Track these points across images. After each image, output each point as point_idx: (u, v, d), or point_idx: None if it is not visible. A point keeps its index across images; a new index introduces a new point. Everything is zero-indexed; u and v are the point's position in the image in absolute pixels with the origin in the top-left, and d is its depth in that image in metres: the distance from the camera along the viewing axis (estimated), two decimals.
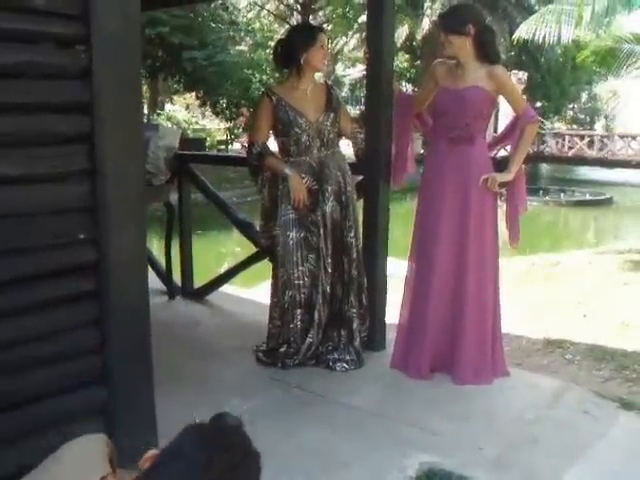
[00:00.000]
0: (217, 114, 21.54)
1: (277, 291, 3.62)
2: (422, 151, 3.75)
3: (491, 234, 3.52)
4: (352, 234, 3.57)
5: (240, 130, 21.65)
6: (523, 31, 7.87)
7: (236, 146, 21.88)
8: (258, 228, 3.86)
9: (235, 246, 11.98)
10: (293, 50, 3.46)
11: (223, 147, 21.47)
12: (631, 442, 2.94)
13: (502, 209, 3.56)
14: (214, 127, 23.06)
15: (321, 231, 3.50)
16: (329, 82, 3.82)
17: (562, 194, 20.63)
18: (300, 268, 3.54)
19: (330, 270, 3.55)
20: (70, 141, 2.30)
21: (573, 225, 14.80)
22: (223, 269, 5.65)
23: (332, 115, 3.54)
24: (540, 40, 8.37)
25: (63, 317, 2.34)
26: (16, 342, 2.22)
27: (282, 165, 3.48)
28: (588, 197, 20.12)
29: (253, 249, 4.49)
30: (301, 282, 3.54)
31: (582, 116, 35.53)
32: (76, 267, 2.37)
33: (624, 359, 4.10)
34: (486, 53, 3.41)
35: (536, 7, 21.33)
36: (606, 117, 35.13)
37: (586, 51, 8.76)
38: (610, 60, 8.45)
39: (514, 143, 3.53)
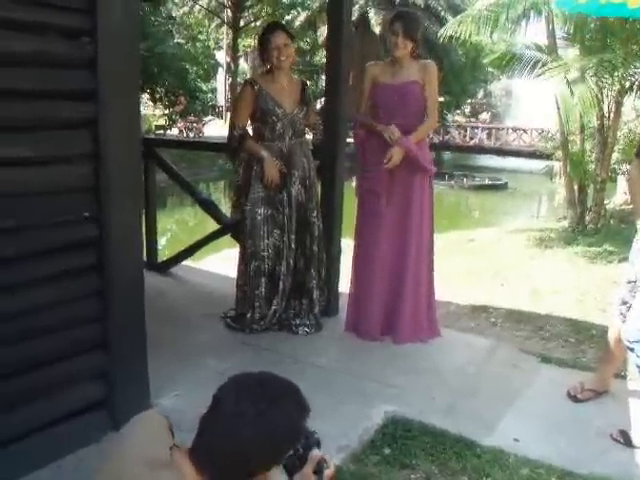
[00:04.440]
0: (155, 101, 20.97)
1: (244, 260, 3.65)
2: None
3: (429, 214, 3.63)
4: (315, 214, 3.62)
5: (177, 116, 21.18)
6: (449, 31, 8.04)
7: (174, 131, 21.40)
8: (230, 204, 3.84)
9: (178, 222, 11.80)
10: (260, 49, 3.51)
11: (161, 132, 20.93)
12: (552, 389, 3.14)
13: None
14: (150, 113, 22.42)
15: (286, 210, 3.54)
16: (304, 80, 3.83)
17: (465, 179, 21.25)
18: (265, 241, 3.57)
19: (294, 246, 3.60)
20: (76, 126, 2.26)
21: (477, 206, 15.33)
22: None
23: (305, 109, 3.58)
24: (446, 41, 8.60)
25: (69, 289, 2.31)
26: (28, 312, 2.17)
27: (259, 148, 3.47)
28: (487, 182, 20.80)
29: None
30: (266, 254, 3.58)
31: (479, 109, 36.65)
32: (80, 243, 2.33)
33: (538, 321, 4.33)
34: (416, 53, 3.53)
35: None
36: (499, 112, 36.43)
37: (495, 54, 9.05)
38: (515, 64, 8.78)
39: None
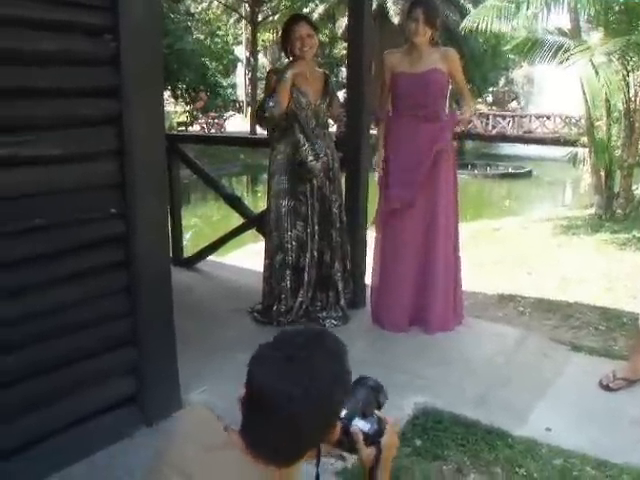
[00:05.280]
0: (176, 98, 21.06)
1: (269, 253, 3.66)
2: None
3: (454, 201, 3.60)
4: (337, 205, 3.61)
5: (199, 113, 21.26)
6: (468, 23, 7.98)
7: (196, 127, 21.47)
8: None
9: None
10: (283, 40, 3.51)
11: (183, 129, 21.02)
12: (584, 378, 3.10)
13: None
14: (171, 110, 22.54)
15: (309, 201, 3.54)
16: (326, 71, 3.81)
17: (488, 168, 21.02)
18: (289, 233, 3.57)
19: (317, 237, 3.59)
20: (100, 123, 2.26)
21: (502, 195, 15.17)
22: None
23: (328, 100, 3.57)
24: (464, 31, 8.52)
25: (98, 285, 2.32)
26: (57, 309, 2.19)
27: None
28: (511, 170, 20.54)
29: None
30: (289, 245, 3.58)
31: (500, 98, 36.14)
32: (108, 239, 2.34)
33: (567, 309, 4.26)
34: (435, 40, 3.51)
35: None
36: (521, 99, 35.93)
37: (517, 40, 8.89)
38: (537, 50, 8.63)
39: None
